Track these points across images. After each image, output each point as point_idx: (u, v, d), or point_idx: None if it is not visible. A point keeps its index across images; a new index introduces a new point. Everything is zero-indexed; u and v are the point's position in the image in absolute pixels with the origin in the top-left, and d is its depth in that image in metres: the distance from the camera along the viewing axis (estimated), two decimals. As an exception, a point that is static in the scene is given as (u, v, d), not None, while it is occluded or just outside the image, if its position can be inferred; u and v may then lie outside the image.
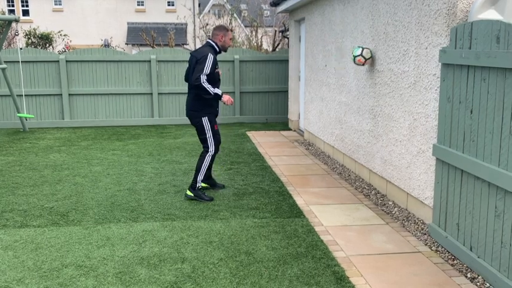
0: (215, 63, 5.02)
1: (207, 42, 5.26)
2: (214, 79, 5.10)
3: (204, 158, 5.20)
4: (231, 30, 5.40)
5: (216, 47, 5.20)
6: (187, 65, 10.61)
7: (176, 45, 19.55)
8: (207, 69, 4.93)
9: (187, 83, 5.45)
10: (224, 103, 5.11)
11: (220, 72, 5.27)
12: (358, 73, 6.09)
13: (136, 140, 8.81)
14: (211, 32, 5.29)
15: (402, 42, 4.82)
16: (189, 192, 5.21)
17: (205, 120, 5.15)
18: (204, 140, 5.22)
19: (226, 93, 10.71)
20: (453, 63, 3.68)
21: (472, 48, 3.46)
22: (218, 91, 5.02)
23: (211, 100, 5.14)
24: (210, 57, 4.98)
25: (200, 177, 5.18)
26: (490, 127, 3.24)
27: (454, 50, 3.68)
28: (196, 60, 5.03)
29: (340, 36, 6.74)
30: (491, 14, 3.65)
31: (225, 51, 5.32)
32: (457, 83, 3.67)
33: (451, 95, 3.76)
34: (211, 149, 5.20)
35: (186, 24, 28.33)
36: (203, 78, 4.92)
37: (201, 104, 5.13)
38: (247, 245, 3.96)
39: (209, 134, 5.18)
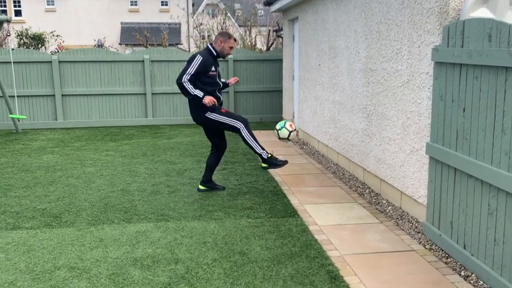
0: (205, 65, 4.97)
1: (207, 45, 5.27)
2: (211, 82, 5.05)
3: (244, 135, 5.07)
4: (235, 40, 5.34)
5: (213, 50, 5.16)
6: (181, 64, 10.58)
7: (170, 45, 19.48)
8: (191, 69, 4.91)
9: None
10: (206, 105, 4.97)
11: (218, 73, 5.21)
12: (351, 72, 6.09)
13: (130, 141, 8.78)
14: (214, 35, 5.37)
15: (395, 40, 4.82)
16: (264, 165, 5.15)
17: (210, 115, 5.08)
18: (227, 127, 5.13)
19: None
20: (446, 61, 3.68)
21: (465, 46, 3.46)
22: (199, 93, 4.93)
23: (212, 94, 5.05)
24: (198, 58, 4.96)
25: (258, 149, 5.07)
26: (483, 125, 3.25)
27: (447, 48, 3.68)
28: (187, 61, 5.05)
29: (334, 35, 6.74)
30: (483, 12, 3.66)
31: (223, 57, 5.24)
32: (449, 82, 3.67)
33: (443, 94, 3.77)
34: (239, 125, 5.07)
35: (179, 24, 28.26)
36: (185, 78, 4.90)
37: (201, 105, 5.03)
38: (242, 245, 3.95)
39: (225, 119, 5.09)
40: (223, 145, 5.44)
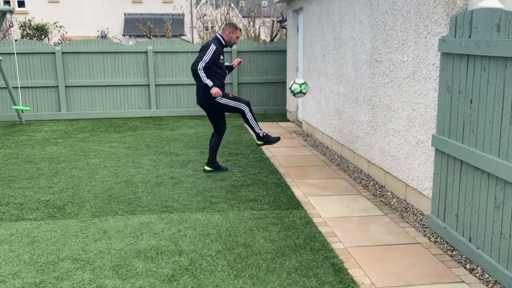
0: (217, 54, 5.42)
1: (215, 35, 5.71)
2: (219, 70, 5.52)
3: (247, 116, 5.57)
4: (240, 30, 5.92)
5: (222, 40, 5.62)
6: (184, 55, 10.54)
7: (173, 36, 19.41)
8: (206, 57, 5.33)
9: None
10: (212, 95, 5.41)
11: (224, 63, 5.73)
12: (356, 63, 6.04)
13: (134, 132, 8.76)
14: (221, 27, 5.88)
15: (401, 31, 4.76)
16: (259, 142, 5.69)
17: (221, 100, 5.49)
18: (233, 110, 5.58)
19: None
20: (453, 52, 3.63)
21: (472, 37, 3.41)
22: (209, 82, 5.35)
23: (217, 82, 5.47)
24: (212, 47, 5.38)
25: (257, 128, 5.60)
26: (490, 117, 3.21)
27: (454, 39, 3.63)
28: (200, 49, 5.49)
29: (339, 26, 6.67)
30: (492, 2, 3.59)
31: (231, 46, 5.73)
32: (456, 73, 3.62)
33: (450, 85, 3.72)
34: (243, 107, 5.54)
35: (183, 15, 28.11)
36: (200, 65, 5.31)
37: (207, 92, 5.44)
38: (245, 237, 3.94)
39: (232, 103, 5.53)
40: (224, 127, 5.89)
